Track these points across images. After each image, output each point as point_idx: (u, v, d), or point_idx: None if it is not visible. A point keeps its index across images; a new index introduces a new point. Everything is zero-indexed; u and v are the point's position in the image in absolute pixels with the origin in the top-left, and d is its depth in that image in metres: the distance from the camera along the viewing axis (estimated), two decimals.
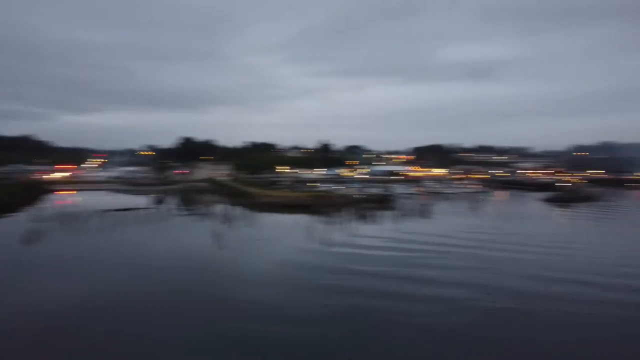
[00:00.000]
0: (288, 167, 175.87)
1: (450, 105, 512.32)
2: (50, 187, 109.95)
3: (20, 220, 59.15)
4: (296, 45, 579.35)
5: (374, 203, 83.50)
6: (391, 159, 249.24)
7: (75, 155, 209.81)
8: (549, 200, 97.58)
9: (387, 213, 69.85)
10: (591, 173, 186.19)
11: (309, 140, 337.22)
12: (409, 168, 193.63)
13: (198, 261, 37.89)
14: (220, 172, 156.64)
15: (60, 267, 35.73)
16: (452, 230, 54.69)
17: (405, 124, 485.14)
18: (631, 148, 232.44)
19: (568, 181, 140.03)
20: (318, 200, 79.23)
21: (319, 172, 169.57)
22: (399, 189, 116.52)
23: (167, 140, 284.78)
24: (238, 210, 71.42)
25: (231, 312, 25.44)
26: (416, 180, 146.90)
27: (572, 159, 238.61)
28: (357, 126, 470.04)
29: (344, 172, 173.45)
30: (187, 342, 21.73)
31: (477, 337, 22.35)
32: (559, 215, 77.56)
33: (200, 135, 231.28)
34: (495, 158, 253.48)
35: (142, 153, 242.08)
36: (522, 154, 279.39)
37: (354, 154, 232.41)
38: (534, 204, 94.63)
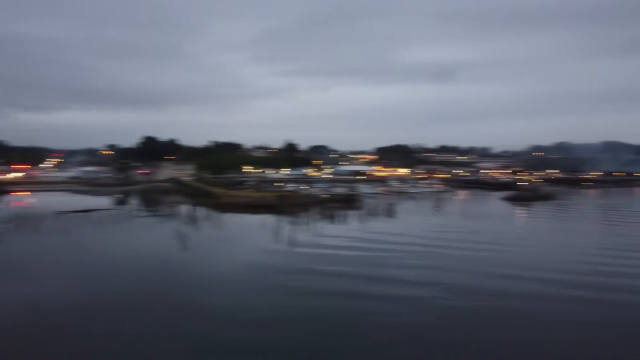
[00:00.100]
0: (253, 167, 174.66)
1: (413, 106, 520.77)
2: (4, 188, 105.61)
3: None
4: (261, 45, 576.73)
5: (340, 203, 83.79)
6: (356, 158, 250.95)
7: (32, 155, 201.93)
8: (509, 199, 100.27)
9: (352, 213, 70.20)
10: (548, 173, 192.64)
11: (275, 140, 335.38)
12: (374, 168, 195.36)
13: (160, 264, 36.98)
14: (184, 172, 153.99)
15: (6, 272, 34.30)
16: (417, 230, 55.47)
17: (369, 124, 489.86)
18: (585, 148, 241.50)
19: (527, 180, 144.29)
20: (284, 200, 78.96)
21: (285, 172, 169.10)
22: (364, 188, 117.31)
23: (129, 140, 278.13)
24: (202, 211, 70.37)
25: (194, 317, 24.82)
26: (381, 180, 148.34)
27: (530, 159, 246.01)
28: (323, 126, 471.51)
29: (310, 172, 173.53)
30: (146, 350, 21.14)
31: (440, 336, 22.57)
32: (518, 214, 79.78)
33: (163, 134, 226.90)
34: (458, 158, 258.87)
35: (103, 153, 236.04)
36: (482, 154, 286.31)
37: (319, 154, 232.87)
38: (495, 203, 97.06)
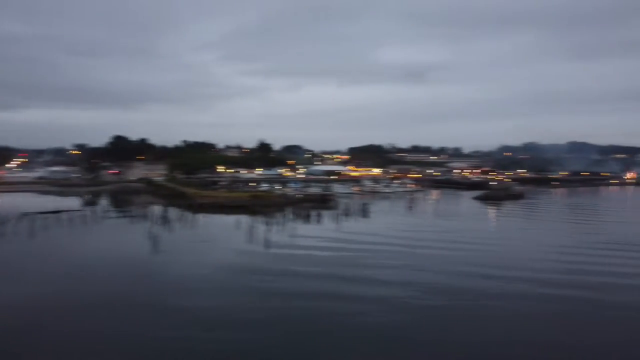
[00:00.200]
0: (227, 167, 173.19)
1: (386, 107, 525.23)
2: None
3: None
4: (233, 44, 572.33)
5: (314, 203, 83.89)
6: (330, 158, 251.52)
7: None
8: (480, 199, 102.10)
9: (326, 212, 70.35)
10: (518, 172, 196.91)
11: (248, 140, 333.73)
12: (347, 168, 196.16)
13: (130, 266, 36.36)
14: (156, 172, 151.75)
15: None
16: (390, 229, 55.94)
17: (342, 124, 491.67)
18: (552, 148, 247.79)
19: (497, 180, 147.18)
20: (257, 201, 78.64)
21: (259, 172, 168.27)
22: (338, 188, 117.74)
23: (99, 139, 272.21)
24: (175, 212, 69.44)
25: (167, 321, 24.45)
26: (354, 180, 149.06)
27: (500, 158, 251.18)
28: (296, 126, 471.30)
29: (284, 171, 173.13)
30: (118, 354, 20.73)
31: (414, 336, 22.81)
32: (490, 213, 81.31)
33: (134, 134, 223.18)
34: (430, 158, 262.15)
35: (72, 152, 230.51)
36: (454, 154, 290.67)
37: (293, 154, 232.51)
38: (466, 202, 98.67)
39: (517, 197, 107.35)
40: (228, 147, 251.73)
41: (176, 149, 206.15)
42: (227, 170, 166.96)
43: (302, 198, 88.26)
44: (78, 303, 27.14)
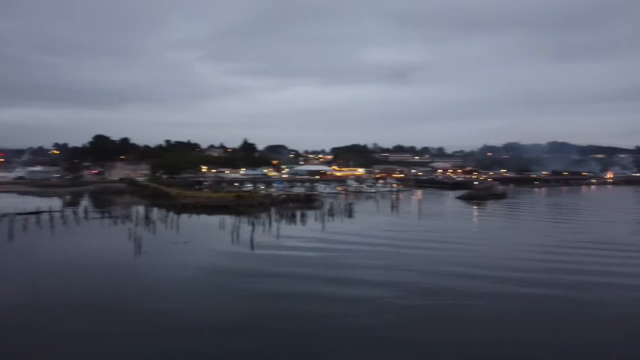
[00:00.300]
0: (210, 167, 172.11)
1: (369, 107, 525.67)
2: None
3: None
4: (216, 43, 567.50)
5: (298, 203, 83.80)
6: (314, 158, 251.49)
7: None
8: (463, 198, 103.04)
9: (311, 213, 70.30)
10: (500, 172, 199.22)
11: (232, 139, 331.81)
12: (332, 168, 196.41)
13: (112, 269, 35.79)
14: (138, 173, 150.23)
15: None
16: (374, 229, 56.07)
17: (326, 124, 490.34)
18: (533, 149, 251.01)
19: (480, 180, 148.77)
20: (242, 201, 78.25)
21: (243, 171, 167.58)
22: (322, 188, 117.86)
23: (79, 139, 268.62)
24: (157, 212, 68.72)
25: (149, 325, 24.07)
26: (339, 180, 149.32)
27: (482, 158, 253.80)
28: (280, 126, 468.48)
29: (268, 171, 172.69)
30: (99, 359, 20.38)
31: (398, 336, 22.80)
32: (473, 212, 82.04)
33: (116, 133, 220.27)
34: (413, 158, 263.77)
35: (52, 152, 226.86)
36: (437, 154, 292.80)
37: (277, 154, 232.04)
38: (450, 202, 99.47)
39: (499, 196, 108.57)
40: (212, 147, 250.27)
41: (159, 149, 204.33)
42: (211, 170, 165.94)
43: (286, 198, 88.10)
44: (55, 307, 26.60)
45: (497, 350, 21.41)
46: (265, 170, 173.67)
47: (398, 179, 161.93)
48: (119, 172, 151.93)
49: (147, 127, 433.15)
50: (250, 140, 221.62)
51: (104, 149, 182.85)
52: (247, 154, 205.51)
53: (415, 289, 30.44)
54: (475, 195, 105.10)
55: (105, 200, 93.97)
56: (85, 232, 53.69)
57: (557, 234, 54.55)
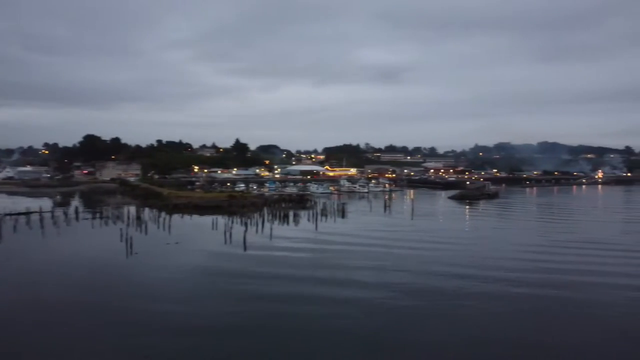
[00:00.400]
0: (203, 167, 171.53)
1: (361, 107, 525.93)
2: None
3: None
4: (208, 43, 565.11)
5: (291, 203, 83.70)
6: (307, 158, 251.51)
7: None
8: (455, 198, 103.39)
9: (303, 213, 70.24)
10: (491, 172, 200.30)
11: (224, 139, 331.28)
12: (324, 168, 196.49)
13: (103, 270, 35.50)
14: (130, 173, 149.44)
15: None
16: (367, 229, 56.10)
17: (319, 124, 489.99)
18: (524, 149, 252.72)
19: (472, 180, 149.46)
20: (234, 201, 77.98)
21: (235, 172, 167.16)
22: (315, 188, 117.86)
23: (70, 139, 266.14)
24: (149, 213, 68.35)
25: (140, 327, 23.85)
26: (331, 180, 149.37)
27: (474, 158, 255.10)
28: (273, 126, 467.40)
29: (261, 171, 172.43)
30: None
31: (390, 338, 22.75)
32: (465, 212, 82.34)
33: (107, 133, 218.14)
34: (405, 158, 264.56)
35: (42, 152, 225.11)
36: (428, 154, 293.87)
37: (270, 154, 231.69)
38: (442, 202, 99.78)
39: (491, 196, 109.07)
40: (204, 147, 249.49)
41: (150, 149, 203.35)
42: (203, 170, 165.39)
43: (279, 198, 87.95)
44: (46, 309, 26.34)
45: (490, 350, 21.43)
46: (257, 170, 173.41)
47: (390, 179, 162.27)
48: (110, 172, 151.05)
49: (139, 127, 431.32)
50: (243, 140, 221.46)
51: (95, 149, 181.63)
52: (239, 154, 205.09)
53: (408, 290, 30.43)
54: (467, 195, 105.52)
55: (96, 200, 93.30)
56: (76, 233, 53.26)
57: (549, 234, 54.88)
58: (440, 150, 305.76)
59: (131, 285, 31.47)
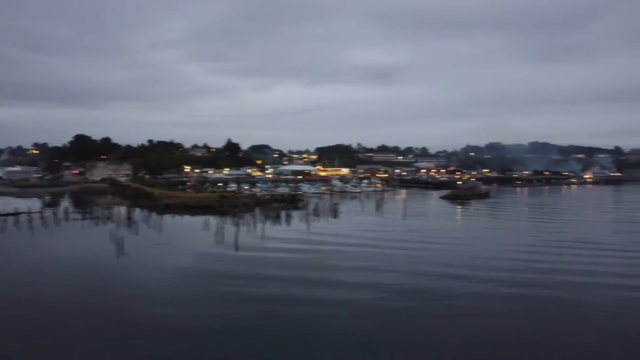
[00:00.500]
0: (194, 167, 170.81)
1: (354, 107, 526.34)
2: None
3: None
4: (200, 42, 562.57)
5: (282, 203, 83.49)
6: (298, 158, 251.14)
7: None
8: (447, 198, 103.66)
9: (295, 213, 70.06)
10: (483, 172, 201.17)
11: (216, 139, 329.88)
12: (316, 168, 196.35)
13: (93, 271, 35.13)
14: (121, 172, 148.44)
15: None
16: (359, 230, 56.03)
17: (311, 124, 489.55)
18: (515, 149, 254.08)
19: (463, 179, 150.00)
20: (226, 201, 77.64)
21: (227, 171, 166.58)
22: (307, 188, 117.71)
23: (60, 139, 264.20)
24: (140, 213, 67.86)
25: (131, 329, 23.62)
26: (323, 180, 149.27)
27: (465, 158, 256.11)
28: (265, 126, 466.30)
29: (253, 171, 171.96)
30: None
31: (383, 339, 22.66)
32: (456, 212, 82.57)
33: (97, 133, 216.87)
34: (397, 158, 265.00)
35: (32, 152, 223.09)
36: (420, 154, 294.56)
37: (262, 154, 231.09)
38: (434, 202, 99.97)
39: (482, 196, 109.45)
40: (195, 147, 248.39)
41: (141, 149, 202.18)
42: (195, 171, 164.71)
43: (270, 198, 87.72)
44: (36, 310, 26.03)
45: (486, 351, 21.43)
46: (249, 170, 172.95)
47: (382, 179, 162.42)
48: (100, 172, 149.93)
49: (130, 127, 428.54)
50: (234, 140, 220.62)
51: (85, 149, 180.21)
52: (231, 154, 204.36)
53: (400, 290, 30.41)
54: (459, 195, 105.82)
55: (86, 201, 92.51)
56: (65, 233, 52.70)
57: (540, 234, 55.12)
58: (432, 150, 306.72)
59: (122, 286, 31.18)
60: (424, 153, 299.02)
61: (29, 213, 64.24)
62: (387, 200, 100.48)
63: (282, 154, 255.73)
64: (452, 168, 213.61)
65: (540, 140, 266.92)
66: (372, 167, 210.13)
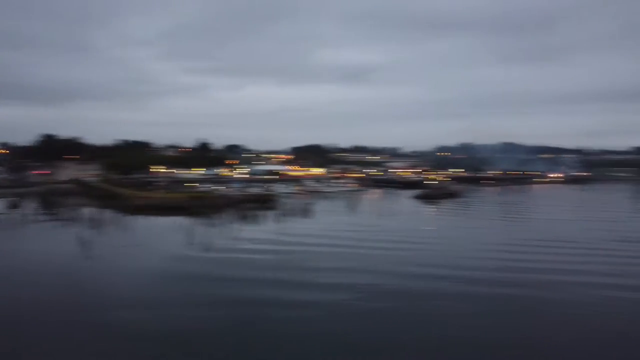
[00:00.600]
0: (164, 167, 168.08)
1: (327, 107, 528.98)
2: None
3: None
4: (171, 41, 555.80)
5: (255, 203, 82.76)
6: (271, 158, 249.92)
7: None
8: (418, 197, 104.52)
9: (268, 213, 69.51)
10: (454, 172, 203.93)
11: (187, 139, 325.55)
12: (289, 167, 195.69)
13: (56, 274, 33.96)
14: (89, 173, 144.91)
15: None
16: (332, 230, 55.89)
17: (284, 124, 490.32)
18: (485, 148, 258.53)
19: (434, 179, 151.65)
20: (197, 202, 76.45)
21: (198, 171, 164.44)
22: (280, 188, 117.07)
23: (26, 138, 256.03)
24: (108, 214, 66.23)
25: (99, 336, 22.87)
26: (296, 180, 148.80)
27: (437, 158, 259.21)
28: (237, 125, 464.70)
29: (224, 171, 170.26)
30: None
31: (358, 341, 22.49)
32: (428, 212, 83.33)
33: (64, 132, 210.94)
34: (370, 158, 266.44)
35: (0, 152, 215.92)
36: (392, 154, 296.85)
37: (233, 154, 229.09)
38: (406, 201, 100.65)
39: (454, 195, 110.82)
40: (167, 147, 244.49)
41: (110, 148, 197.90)
42: (166, 170, 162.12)
43: (243, 198, 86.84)
44: None
45: (464, 351, 21.37)
46: (221, 170, 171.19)
47: (356, 179, 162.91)
48: (68, 172, 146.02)
49: (100, 126, 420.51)
50: (208, 140, 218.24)
51: (52, 149, 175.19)
52: (203, 154, 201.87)
53: (376, 291, 30.25)
54: (431, 195, 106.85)
55: (53, 201, 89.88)
56: (29, 235, 50.98)
57: (515, 232, 55.94)
58: (406, 150, 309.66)
59: (87, 289, 30.20)
60: (397, 153, 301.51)
61: None
62: (361, 200, 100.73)
63: (255, 154, 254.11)
64: (424, 168, 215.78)
65: (510, 141, 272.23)
66: (346, 166, 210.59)
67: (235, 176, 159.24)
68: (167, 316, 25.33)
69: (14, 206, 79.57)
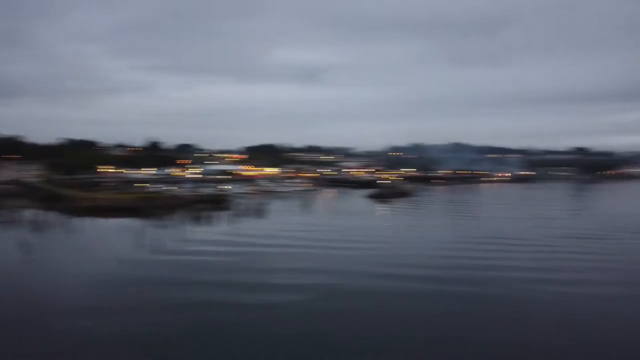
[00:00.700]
0: (113, 167, 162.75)
1: (281, 106, 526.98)
2: None
3: None
4: (120, 37, 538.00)
5: (208, 203, 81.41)
6: (224, 158, 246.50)
7: None
8: (371, 197, 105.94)
9: (221, 214, 68.59)
10: (405, 171, 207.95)
11: (137, 138, 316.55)
12: (242, 167, 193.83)
13: None
14: (30, 173, 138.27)
15: None
16: (287, 230, 55.75)
17: (237, 123, 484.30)
18: (435, 149, 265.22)
19: (387, 179, 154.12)
20: (147, 202, 74.45)
21: (148, 171, 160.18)
22: (233, 188, 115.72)
23: None
24: (52, 216, 63.43)
25: (45, 344, 21.85)
26: (249, 180, 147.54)
27: (389, 158, 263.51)
28: (189, 124, 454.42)
29: (175, 171, 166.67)
30: None
31: (312, 343, 22.51)
32: (380, 211, 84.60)
33: (4, 130, 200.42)
34: (323, 158, 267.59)
35: None
36: (346, 153, 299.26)
37: (186, 153, 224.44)
38: (358, 200, 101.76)
39: (406, 194, 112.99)
40: (115, 146, 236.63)
41: (56, 147, 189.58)
42: (114, 170, 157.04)
43: (195, 199, 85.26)
44: None
45: (421, 350, 21.63)
46: (173, 170, 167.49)
47: (310, 179, 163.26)
48: (7, 172, 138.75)
49: (43, 124, 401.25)
50: (158, 139, 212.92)
51: None
52: (153, 153, 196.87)
53: (327, 292, 30.30)
54: (384, 194, 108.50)
55: None
56: None
57: (465, 231, 57.49)
58: (358, 150, 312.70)
59: (30, 296, 28.78)
60: (350, 153, 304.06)
61: None
62: (315, 199, 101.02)
63: (208, 153, 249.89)
64: (377, 167, 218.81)
65: (459, 141, 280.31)
66: (300, 166, 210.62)
67: (187, 176, 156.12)
68: (122, 322, 24.36)
69: None
